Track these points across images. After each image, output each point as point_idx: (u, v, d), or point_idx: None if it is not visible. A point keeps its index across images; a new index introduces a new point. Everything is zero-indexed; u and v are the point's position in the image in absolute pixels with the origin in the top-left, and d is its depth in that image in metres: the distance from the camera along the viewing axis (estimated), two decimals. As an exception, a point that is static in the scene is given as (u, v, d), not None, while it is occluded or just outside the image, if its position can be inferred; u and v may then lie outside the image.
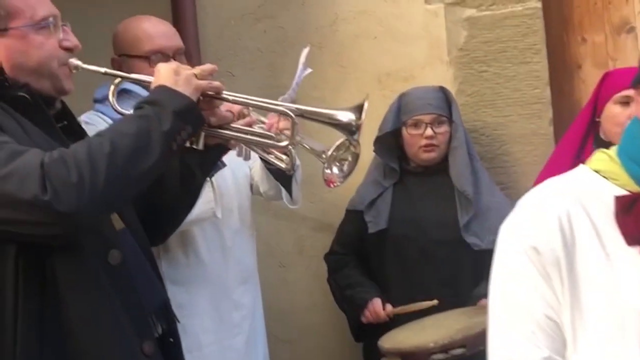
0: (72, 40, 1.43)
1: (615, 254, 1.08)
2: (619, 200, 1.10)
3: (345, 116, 1.43)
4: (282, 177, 1.98)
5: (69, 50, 1.42)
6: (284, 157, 1.61)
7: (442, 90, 2.29)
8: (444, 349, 1.72)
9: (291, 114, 1.44)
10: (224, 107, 1.48)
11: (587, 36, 2.66)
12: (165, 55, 1.97)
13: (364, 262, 2.29)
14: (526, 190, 2.37)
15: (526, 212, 1.17)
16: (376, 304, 2.12)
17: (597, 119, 2.22)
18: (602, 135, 2.22)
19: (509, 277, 1.16)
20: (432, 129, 2.19)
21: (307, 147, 1.57)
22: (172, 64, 1.40)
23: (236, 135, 1.48)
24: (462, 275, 2.12)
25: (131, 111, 1.40)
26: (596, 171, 1.16)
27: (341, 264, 2.30)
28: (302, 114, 1.46)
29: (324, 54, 2.63)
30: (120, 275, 1.33)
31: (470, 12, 2.52)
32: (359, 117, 1.42)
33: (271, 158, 1.62)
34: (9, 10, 1.33)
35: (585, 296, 1.08)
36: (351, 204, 2.32)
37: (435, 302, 2.00)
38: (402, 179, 2.24)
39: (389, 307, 2.12)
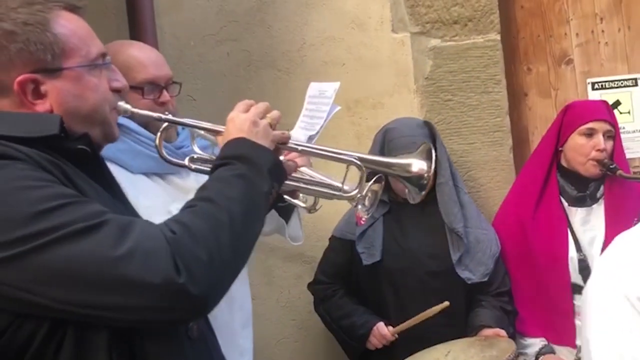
0: (121, 80, 1.27)
1: None
2: None
3: (417, 166, 1.40)
4: (285, 213, 1.90)
5: (118, 91, 1.26)
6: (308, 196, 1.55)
7: (427, 125, 2.33)
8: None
9: (360, 164, 1.39)
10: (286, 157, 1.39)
11: (532, 66, 2.85)
12: (157, 86, 1.82)
13: (353, 291, 2.28)
14: (491, 214, 2.52)
15: (627, 263, 1.24)
16: (381, 327, 2.13)
17: (560, 148, 2.39)
18: (564, 163, 2.39)
19: (614, 326, 1.21)
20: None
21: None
22: (249, 113, 1.29)
23: (299, 186, 1.39)
24: (455, 304, 2.17)
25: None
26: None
27: (329, 294, 2.28)
28: (369, 164, 1.41)
29: (292, 79, 2.57)
30: (199, 348, 1.21)
31: (435, 42, 2.59)
32: (429, 166, 1.39)
33: (295, 198, 1.55)
34: (64, 47, 1.14)
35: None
36: (340, 232, 2.29)
37: (446, 303, 2.04)
38: (391, 209, 2.25)
39: (391, 328, 2.13)
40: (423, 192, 1.41)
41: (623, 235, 1.40)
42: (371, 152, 2.29)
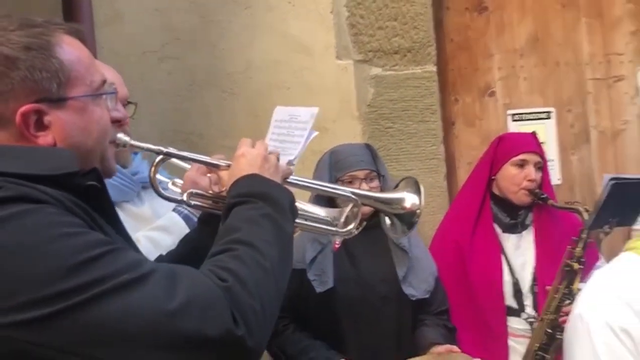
0: (122, 111, 1.19)
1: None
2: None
3: (410, 201, 1.42)
4: None
5: (118, 122, 1.18)
6: None
7: (368, 147, 2.37)
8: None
9: (357, 199, 1.39)
10: None
11: (459, 97, 3.00)
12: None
13: (305, 323, 2.25)
14: (426, 238, 2.61)
15: (609, 297, 1.34)
16: None
17: (493, 177, 2.53)
18: (496, 192, 2.53)
19: (600, 356, 1.30)
20: (366, 184, 2.26)
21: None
22: (259, 149, 1.24)
23: (301, 223, 1.37)
24: (404, 328, 2.22)
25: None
26: (646, 258, 1.38)
27: (280, 328, 2.22)
28: (365, 199, 1.42)
29: (236, 101, 2.53)
30: None
31: (376, 70, 2.66)
32: (421, 201, 1.42)
33: None
34: (69, 75, 1.04)
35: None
36: None
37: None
38: (338, 236, 2.26)
39: None
40: (411, 230, 1.44)
41: (600, 271, 1.51)
42: (317, 175, 2.29)
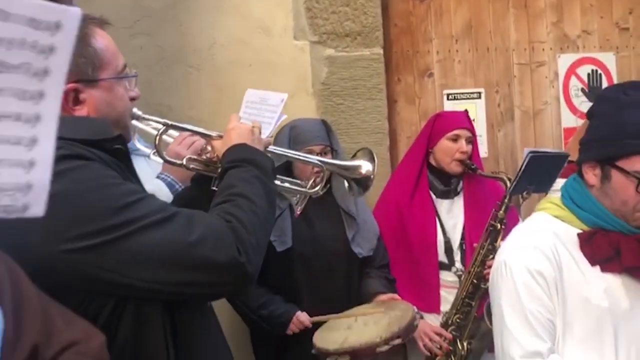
0: (136, 91, 1.45)
1: (586, 273, 1.67)
2: (580, 236, 1.70)
3: (365, 168, 1.72)
4: None
5: (133, 100, 1.44)
6: None
7: (324, 123, 2.66)
8: (387, 341, 2.14)
9: (323, 166, 1.69)
10: None
11: (401, 77, 3.32)
12: None
13: (264, 280, 2.52)
14: (370, 202, 2.93)
15: (526, 246, 1.69)
16: (301, 316, 2.41)
17: (430, 150, 2.87)
18: (433, 162, 2.88)
19: (520, 292, 1.65)
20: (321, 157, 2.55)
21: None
22: (247, 124, 1.52)
23: (278, 184, 1.65)
24: (353, 281, 2.55)
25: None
26: (555, 217, 1.74)
27: None
28: (329, 166, 1.72)
29: (202, 76, 2.75)
30: (213, 316, 1.45)
31: (329, 51, 2.94)
32: (374, 168, 1.73)
33: None
34: (101, 60, 1.30)
35: (570, 304, 1.65)
36: None
37: (380, 310, 2.38)
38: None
39: (308, 317, 2.42)
40: (366, 191, 1.75)
41: (518, 227, 1.87)
42: (278, 146, 2.56)
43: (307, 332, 2.39)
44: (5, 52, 0.66)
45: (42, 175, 0.72)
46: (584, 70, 3.54)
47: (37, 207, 0.73)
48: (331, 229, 2.59)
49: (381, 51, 3.02)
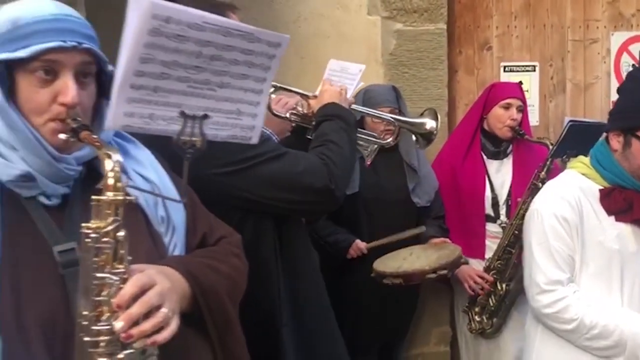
0: None
1: (603, 221, 2.06)
2: (601, 191, 2.09)
3: (430, 124, 2.16)
4: None
5: None
6: None
7: (394, 88, 3.07)
8: (435, 270, 2.59)
9: (395, 121, 2.14)
10: None
11: (462, 49, 3.68)
12: None
13: (332, 218, 2.96)
14: (430, 161, 3.33)
15: (555, 196, 2.09)
16: (359, 243, 2.88)
17: (485, 116, 3.25)
18: (486, 127, 3.25)
19: (547, 233, 2.06)
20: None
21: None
22: (337, 87, 1.97)
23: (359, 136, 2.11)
24: (408, 224, 3.00)
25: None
26: (582, 174, 2.13)
27: None
28: (400, 122, 2.16)
29: (289, 46, 3.19)
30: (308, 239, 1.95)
31: (398, 25, 3.33)
32: (437, 125, 2.16)
33: None
34: None
35: (587, 245, 2.05)
36: None
37: (422, 228, 2.83)
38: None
39: (365, 243, 2.89)
40: (429, 144, 2.18)
41: (550, 181, 2.27)
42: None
43: (365, 259, 2.85)
44: (247, 68, 1.14)
45: (259, 122, 1.21)
46: (636, 48, 3.80)
47: (254, 139, 1.23)
48: (394, 180, 3.02)
49: (444, 26, 3.39)
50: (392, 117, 2.14)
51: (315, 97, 2.00)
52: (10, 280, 1.16)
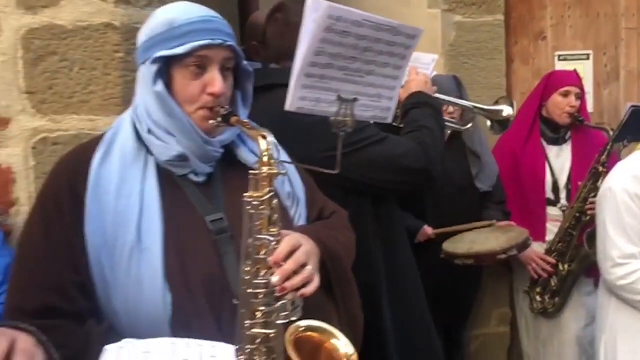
0: None
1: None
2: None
3: (507, 112, 2.30)
4: None
5: None
6: None
7: (455, 78, 3.21)
8: (505, 251, 2.73)
9: (475, 110, 2.29)
10: None
11: (518, 40, 3.80)
12: None
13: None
14: (490, 147, 3.46)
15: (627, 175, 2.22)
16: (427, 229, 3.03)
17: (544, 103, 3.36)
18: (545, 114, 3.37)
19: (620, 210, 2.19)
20: (452, 107, 3.11)
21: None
22: (422, 77, 2.12)
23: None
24: (473, 211, 3.13)
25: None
26: (649, 155, 2.26)
27: None
28: (479, 110, 2.31)
29: (354, 39, 3.36)
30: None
31: (458, 17, 3.46)
32: (513, 112, 2.30)
33: None
34: None
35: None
36: None
37: (494, 222, 2.97)
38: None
39: (432, 229, 3.04)
40: (505, 130, 2.32)
41: (621, 162, 2.40)
42: None
43: (430, 243, 2.99)
44: (389, 58, 1.30)
45: (393, 105, 1.39)
46: (690, 35, 3.87)
47: (389, 120, 1.40)
48: (458, 166, 3.16)
49: (502, 17, 3.51)
50: (472, 105, 2.29)
51: (401, 87, 2.15)
52: (175, 246, 1.35)
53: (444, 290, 3.11)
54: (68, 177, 1.37)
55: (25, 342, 0.98)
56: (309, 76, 1.26)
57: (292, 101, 1.28)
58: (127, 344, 1.03)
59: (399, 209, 2.06)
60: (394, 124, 2.14)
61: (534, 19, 3.79)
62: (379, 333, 1.92)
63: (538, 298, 3.27)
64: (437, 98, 2.17)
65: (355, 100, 1.34)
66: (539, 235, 3.29)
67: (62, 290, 1.30)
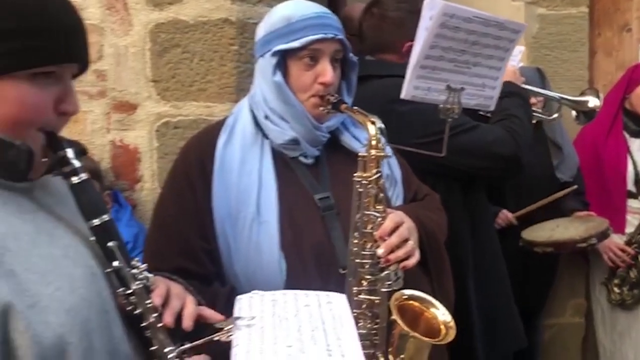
0: None
1: None
2: None
3: (593, 102, 2.36)
4: None
5: None
6: None
7: (539, 70, 3.25)
8: (585, 240, 2.78)
9: (560, 99, 2.36)
10: None
11: (601, 32, 3.79)
12: None
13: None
14: (571, 138, 3.48)
15: None
16: (507, 212, 3.10)
17: (627, 96, 3.36)
18: (628, 106, 3.36)
19: None
20: (535, 98, 3.17)
21: None
22: (512, 68, 2.22)
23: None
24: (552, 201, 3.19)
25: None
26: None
27: None
28: (566, 100, 2.38)
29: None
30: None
31: (541, 10, 3.50)
32: (600, 103, 2.36)
33: None
34: None
35: None
36: None
37: (574, 186, 3.02)
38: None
39: (511, 214, 3.10)
40: (590, 121, 2.39)
41: None
42: None
43: (508, 231, 3.05)
44: (494, 50, 1.43)
45: (496, 94, 1.52)
46: None
47: (492, 107, 1.53)
48: (539, 156, 3.21)
49: (587, 10, 3.52)
50: (559, 96, 2.36)
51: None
52: (288, 219, 1.51)
53: (520, 278, 3.19)
54: (197, 157, 1.56)
55: (177, 288, 1.17)
56: (423, 67, 1.41)
57: (408, 90, 1.44)
58: (256, 294, 1.21)
59: (486, 197, 2.17)
60: (481, 112, 2.25)
61: (618, 11, 3.76)
62: (464, 312, 2.04)
63: (616, 289, 3.29)
64: (525, 88, 2.25)
65: (462, 89, 1.48)
66: (619, 227, 3.30)
67: (193, 255, 1.49)
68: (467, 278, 2.06)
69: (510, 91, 2.12)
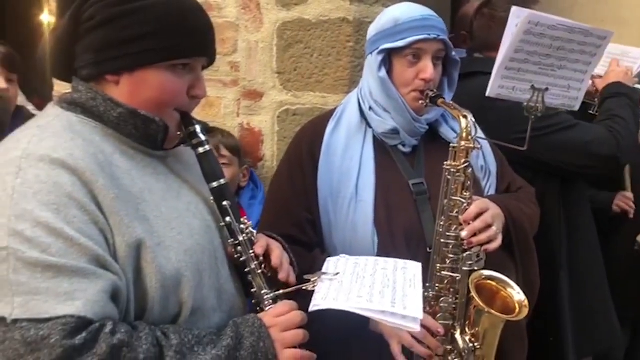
0: None
1: None
2: None
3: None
4: None
5: None
6: None
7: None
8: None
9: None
10: None
11: None
12: None
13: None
14: None
15: None
16: (626, 192, 2.96)
17: None
18: None
19: None
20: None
21: None
22: (623, 68, 2.23)
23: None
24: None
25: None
26: None
27: None
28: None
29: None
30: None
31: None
32: None
33: None
34: None
35: None
36: None
37: None
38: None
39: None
40: None
41: None
42: None
43: (621, 232, 2.95)
44: (580, 55, 1.53)
45: (581, 95, 1.62)
46: None
47: (576, 107, 1.63)
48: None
49: None
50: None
51: (600, 77, 2.27)
52: (384, 200, 1.69)
53: (630, 283, 3.11)
54: (308, 141, 1.78)
55: (276, 245, 1.40)
56: (508, 69, 1.54)
57: (493, 88, 1.57)
58: (343, 257, 1.42)
59: (586, 196, 2.21)
60: (590, 111, 2.28)
61: None
62: (554, 305, 2.10)
63: None
64: (636, 89, 2.25)
65: (546, 89, 1.57)
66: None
67: (300, 225, 1.71)
68: (560, 271, 2.11)
69: (618, 92, 2.14)
